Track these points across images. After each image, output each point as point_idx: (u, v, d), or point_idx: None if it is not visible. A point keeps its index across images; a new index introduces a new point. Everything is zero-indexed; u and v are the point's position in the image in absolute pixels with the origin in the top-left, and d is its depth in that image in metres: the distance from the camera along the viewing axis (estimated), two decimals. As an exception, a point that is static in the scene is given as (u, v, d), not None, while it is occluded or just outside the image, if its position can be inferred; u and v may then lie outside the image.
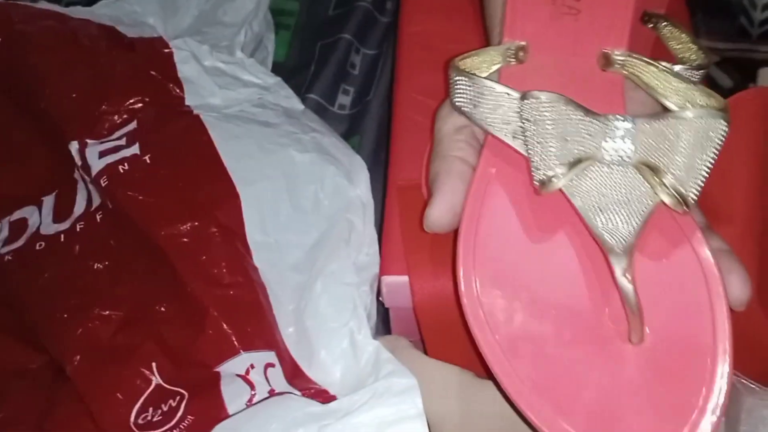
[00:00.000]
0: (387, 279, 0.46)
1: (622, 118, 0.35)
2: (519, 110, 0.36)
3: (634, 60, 0.40)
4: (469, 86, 0.39)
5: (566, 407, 0.34)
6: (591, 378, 0.35)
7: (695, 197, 0.35)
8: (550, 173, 0.36)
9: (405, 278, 0.46)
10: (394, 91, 0.54)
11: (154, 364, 0.42)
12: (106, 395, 0.41)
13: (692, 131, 0.34)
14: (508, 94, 0.37)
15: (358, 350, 0.42)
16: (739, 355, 0.45)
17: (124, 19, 0.62)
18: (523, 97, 0.36)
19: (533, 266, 0.37)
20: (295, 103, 0.55)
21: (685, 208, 0.35)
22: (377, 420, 0.37)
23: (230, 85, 0.54)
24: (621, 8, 0.41)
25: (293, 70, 0.68)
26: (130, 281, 0.45)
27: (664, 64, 0.45)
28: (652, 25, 0.52)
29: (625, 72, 0.41)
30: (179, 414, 0.40)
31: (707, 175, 0.35)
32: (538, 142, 0.36)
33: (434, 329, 0.47)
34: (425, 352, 0.49)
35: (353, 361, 0.41)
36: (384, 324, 0.53)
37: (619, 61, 0.40)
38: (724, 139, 0.35)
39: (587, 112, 0.35)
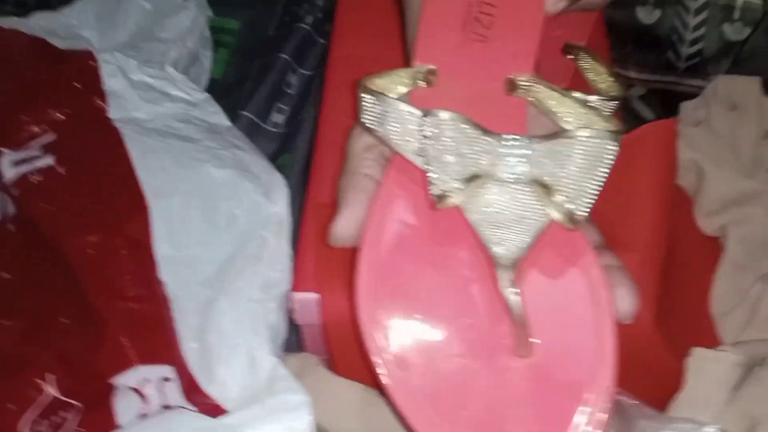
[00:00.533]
0: (297, 296, 0.46)
1: (518, 137, 0.36)
2: (420, 128, 0.37)
3: (538, 86, 0.41)
4: (376, 105, 0.40)
5: (452, 418, 0.34)
6: (478, 390, 0.35)
7: (584, 216, 0.36)
8: (446, 188, 0.36)
9: (315, 295, 0.46)
10: (320, 111, 0.55)
11: (50, 375, 0.42)
12: (-1, 405, 0.41)
13: (583, 151, 0.35)
14: (411, 112, 0.38)
15: (257, 367, 0.42)
16: (635, 379, 0.46)
17: (59, 31, 0.62)
18: (425, 115, 0.37)
19: (430, 280, 0.38)
20: (222, 120, 0.55)
21: (573, 225, 0.36)
22: (267, 435, 0.38)
23: (156, 100, 0.54)
24: (527, 36, 0.42)
25: (230, 87, 0.68)
26: (35, 292, 0.45)
27: (575, 93, 0.46)
28: (572, 57, 0.54)
29: (529, 97, 0.41)
30: (71, 426, 0.40)
31: (596, 195, 0.36)
32: (435, 158, 0.37)
33: (342, 347, 0.47)
34: (333, 370, 0.49)
35: (251, 378, 0.42)
36: (301, 341, 0.53)
37: (524, 87, 0.41)
38: (613, 160, 0.36)
39: (484, 131, 0.36)
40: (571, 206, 0.36)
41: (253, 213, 0.47)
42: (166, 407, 0.42)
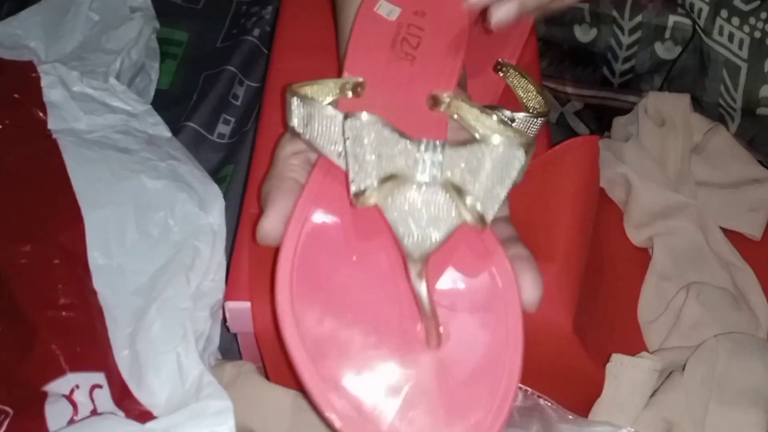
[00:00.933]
0: (230, 304, 0.47)
1: (433, 142, 0.38)
2: (342, 130, 0.39)
3: (459, 102, 0.43)
4: (302, 108, 0.41)
5: (364, 407, 0.36)
6: (389, 379, 0.37)
7: (491, 217, 0.38)
8: (364, 186, 0.38)
9: (248, 304, 0.47)
10: (258, 123, 0.56)
11: (-20, 382, 0.43)
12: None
13: (494, 158, 0.37)
14: (334, 115, 0.40)
15: (184, 374, 0.43)
16: (557, 384, 0.48)
17: (4, 41, 0.63)
18: (346, 117, 0.38)
19: (348, 275, 0.39)
20: (162, 131, 0.56)
21: (482, 226, 0.37)
22: (190, 439, 0.39)
23: (96, 111, 0.55)
24: (451, 57, 0.44)
25: (176, 98, 0.69)
26: (-33, 301, 0.46)
27: (500, 110, 0.48)
28: (502, 74, 0.55)
29: (451, 113, 0.43)
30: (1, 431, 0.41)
31: (503, 199, 0.38)
32: (355, 158, 0.38)
33: (274, 354, 0.48)
34: (267, 377, 0.50)
35: (179, 384, 0.43)
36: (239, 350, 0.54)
37: (446, 103, 0.43)
38: (521, 169, 0.38)
39: (402, 134, 0.38)
40: (481, 209, 0.37)
41: (187, 223, 0.49)
42: (94, 413, 0.42)
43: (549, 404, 0.46)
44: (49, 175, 0.48)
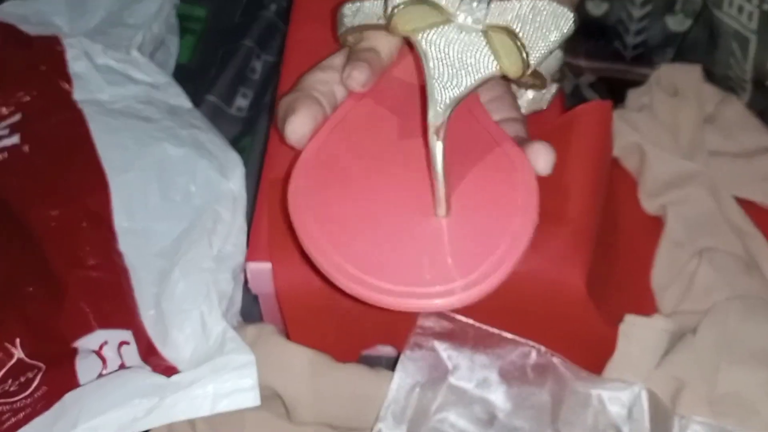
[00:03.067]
0: (251, 265, 0.49)
1: None
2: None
3: None
4: (349, 7, 0.43)
5: (369, 267, 0.36)
6: (396, 244, 0.37)
7: (534, 64, 0.38)
8: (402, 2, 0.38)
9: (268, 264, 0.48)
10: (276, 94, 0.57)
11: (17, 339, 0.45)
12: (-34, 366, 0.44)
13: (546, 11, 0.38)
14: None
15: (208, 331, 0.45)
16: (570, 344, 0.49)
17: (31, 17, 0.65)
18: None
19: (364, 171, 0.40)
20: (183, 101, 0.58)
21: (523, 71, 0.38)
22: (214, 391, 0.40)
23: (120, 82, 0.56)
24: None
25: (196, 72, 0.71)
26: (2, 262, 0.48)
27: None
28: None
29: None
30: (34, 384, 0.43)
31: (547, 53, 0.38)
32: None
33: (294, 314, 0.50)
34: (288, 337, 0.52)
35: (203, 341, 0.44)
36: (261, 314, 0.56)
37: None
38: (569, 30, 0.39)
39: None
40: (525, 53, 0.37)
41: (208, 189, 0.50)
42: (122, 367, 0.44)
43: (562, 362, 0.47)
44: (76, 143, 0.50)
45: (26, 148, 0.50)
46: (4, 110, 0.53)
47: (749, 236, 0.57)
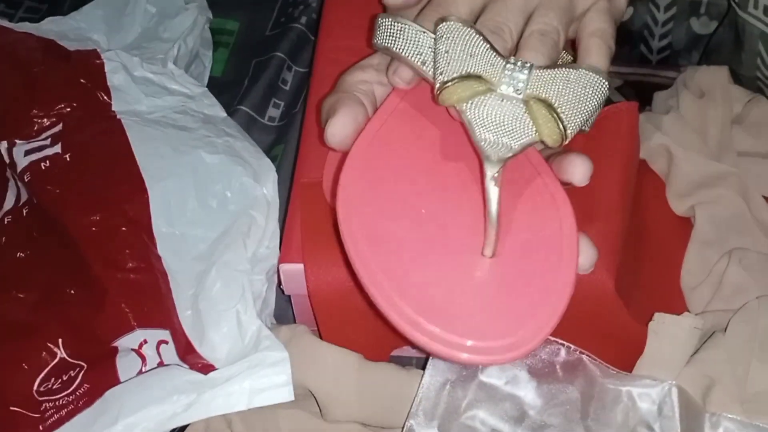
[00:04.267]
0: (284, 266, 0.50)
1: (522, 60, 0.40)
2: (433, 39, 0.41)
3: None
4: (391, 25, 0.43)
5: (416, 299, 0.37)
6: (443, 281, 0.38)
7: (572, 134, 0.40)
8: (448, 78, 0.40)
9: (300, 266, 0.50)
10: (307, 99, 0.59)
11: (59, 340, 0.46)
12: (13, 366, 0.45)
13: (582, 80, 0.40)
14: (424, 31, 0.42)
15: (243, 330, 0.46)
16: (598, 344, 0.49)
17: (69, 34, 0.67)
18: (442, 20, 0.41)
19: (413, 184, 0.41)
20: (218, 111, 0.59)
21: (561, 141, 0.40)
22: (250, 387, 0.42)
23: (157, 93, 0.58)
24: None
25: (229, 84, 0.73)
26: (46, 267, 0.50)
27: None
28: None
29: None
30: (77, 382, 0.45)
31: (584, 121, 0.40)
32: (444, 53, 0.40)
33: (327, 314, 0.51)
34: (321, 338, 0.53)
35: (238, 339, 0.46)
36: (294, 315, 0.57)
37: None
38: (604, 96, 0.41)
39: (492, 46, 0.40)
40: (564, 123, 0.39)
41: (243, 194, 0.52)
42: (161, 365, 0.46)
43: (592, 360, 0.47)
44: (115, 152, 0.52)
45: (67, 156, 0.52)
46: (46, 121, 0.55)
47: (779, 236, 0.57)
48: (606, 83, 0.40)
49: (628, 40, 0.69)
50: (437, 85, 0.40)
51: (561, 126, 0.39)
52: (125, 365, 0.45)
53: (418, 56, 0.42)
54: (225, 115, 0.59)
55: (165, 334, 0.47)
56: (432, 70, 0.41)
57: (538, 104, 0.39)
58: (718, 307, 0.55)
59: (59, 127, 0.54)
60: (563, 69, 0.40)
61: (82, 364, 0.45)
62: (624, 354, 0.50)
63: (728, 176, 0.59)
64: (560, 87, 0.40)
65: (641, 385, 0.47)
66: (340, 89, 0.43)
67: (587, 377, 0.48)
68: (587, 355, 0.48)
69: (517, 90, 0.40)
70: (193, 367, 0.46)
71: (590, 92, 0.40)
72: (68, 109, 0.55)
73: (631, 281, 0.53)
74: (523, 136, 0.39)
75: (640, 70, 0.71)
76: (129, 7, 0.71)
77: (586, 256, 0.40)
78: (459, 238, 0.40)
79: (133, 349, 0.46)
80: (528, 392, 0.47)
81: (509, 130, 0.39)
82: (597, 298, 0.48)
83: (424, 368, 0.48)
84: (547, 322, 0.37)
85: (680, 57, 0.68)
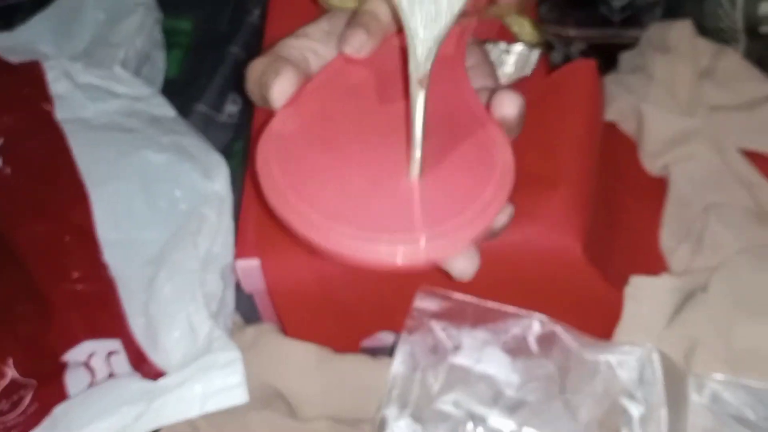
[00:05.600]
0: (240, 262, 0.48)
1: None
2: None
3: None
4: None
5: (332, 215, 0.34)
6: (364, 199, 0.36)
7: None
8: None
9: (257, 261, 0.48)
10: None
11: (9, 359, 0.44)
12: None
13: None
14: None
15: (195, 332, 0.44)
16: (574, 313, 0.47)
17: (17, 48, 0.65)
18: None
19: (338, 129, 0.38)
20: (167, 111, 0.58)
21: None
22: (202, 391, 0.40)
23: (102, 98, 0.56)
24: None
25: (185, 84, 0.71)
26: (-5, 284, 0.48)
27: (498, 44, 0.48)
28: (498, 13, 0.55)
29: None
30: (26, 402, 0.43)
31: None
32: None
33: (289, 309, 0.49)
34: (286, 334, 0.51)
35: (191, 343, 0.44)
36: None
37: None
38: None
39: None
40: None
41: (193, 192, 0.50)
42: (112, 377, 0.44)
43: (566, 331, 0.45)
44: (56, 161, 0.50)
45: (8, 170, 0.50)
46: (-14, 136, 0.53)
47: (757, 187, 0.56)
48: None
49: (589, 2, 0.67)
50: None
51: None
52: (74, 380, 0.44)
53: None
54: (174, 114, 0.57)
55: (115, 344, 0.45)
56: None
57: None
58: (700, 265, 0.53)
59: (0, 141, 0.52)
60: None
61: (33, 382, 0.44)
62: (602, 321, 0.49)
63: (701, 131, 0.58)
64: None
65: (620, 352, 0.45)
66: (273, 53, 0.41)
67: (563, 349, 0.46)
68: (562, 326, 0.46)
69: None
70: (146, 375, 0.44)
71: None
72: (10, 122, 0.54)
73: (607, 246, 0.51)
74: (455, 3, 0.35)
75: (604, 31, 0.69)
76: (78, 15, 0.70)
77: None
78: (384, 166, 0.36)
79: (81, 362, 0.44)
80: (502, 370, 0.45)
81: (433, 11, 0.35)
82: (566, 264, 0.46)
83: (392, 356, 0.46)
84: (478, 220, 0.34)
85: (643, 15, 0.66)
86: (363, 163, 0.37)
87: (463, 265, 0.36)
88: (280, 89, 0.38)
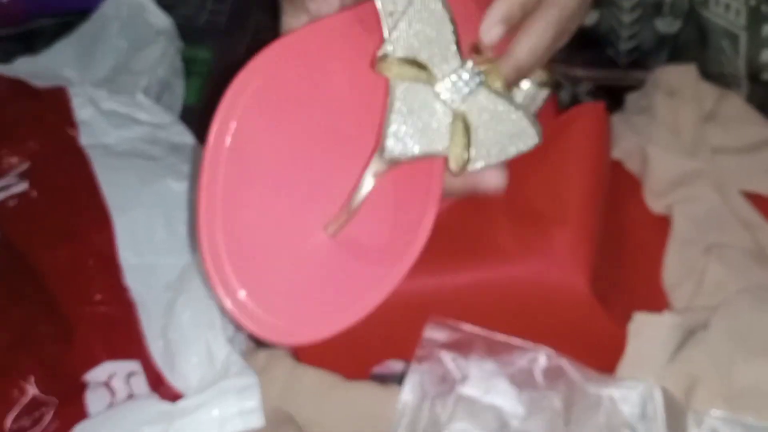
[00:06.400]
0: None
1: (478, 69, 0.38)
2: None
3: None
4: None
5: (255, 280, 0.35)
6: (282, 254, 0.36)
7: (472, 168, 0.38)
8: (392, 49, 0.37)
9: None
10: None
11: (31, 377, 0.46)
12: (-16, 406, 0.45)
13: (516, 125, 0.38)
14: None
15: (213, 357, 0.46)
16: (579, 349, 0.49)
17: (41, 73, 0.67)
18: None
19: (287, 145, 0.38)
20: (187, 139, 0.59)
21: (459, 173, 0.37)
22: (220, 415, 0.41)
23: (124, 125, 0.58)
24: None
25: (204, 112, 0.72)
26: (16, 305, 0.49)
27: None
28: None
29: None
30: (47, 420, 0.44)
31: (498, 162, 0.38)
32: (405, 19, 0.37)
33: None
34: (298, 359, 0.52)
35: (209, 367, 0.45)
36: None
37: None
38: (529, 147, 0.39)
39: (457, 39, 0.38)
40: (472, 158, 0.37)
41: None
42: (131, 398, 0.45)
43: (571, 365, 0.47)
44: (81, 186, 0.52)
45: (34, 193, 0.52)
46: (15, 160, 0.55)
47: (758, 228, 0.57)
48: (538, 136, 0.38)
49: (595, 44, 0.69)
50: (381, 51, 0.37)
51: (466, 154, 0.37)
52: (95, 400, 0.45)
53: (392, 4, 0.38)
54: (194, 142, 0.59)
55: (134, 366, 0.47)
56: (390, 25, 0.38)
57: (461, 124, 0.37)
58: (701, 303, 0.54)
59: (26, 165, 0.54)
60: (506, 103, 0.38)
61: (54, 400, 0.45)
62: (605, 357, 0.50)
63: (703, 173, 0.59)
64: (492, 121, 0.38)
65: (623, 387, 0.47)
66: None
67: (568, 382, 0.47)
68: (567, 360, 0.47)
69: (454, 101, 0.38)
70: (164, 397, 0.45)
71: (516, 141, 0.38)
72: (36, 147, 0.56)
73: (610, 283, 0.53)
74: (432, 144, 0.37)
75: (611, 73, 0.71)
76: (100, 42, 0.72)
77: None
78: (313, 207, 0.37)
79: (102, 383, 0.46)
80: (508, 401, 0.47)
81: (423, 133, 0.37)
82: (573, 301, 0.47)
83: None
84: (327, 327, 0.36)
85: (648, 58, 0.68)
86: (294, 213, 0.37)
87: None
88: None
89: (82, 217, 0.51)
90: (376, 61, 0.38)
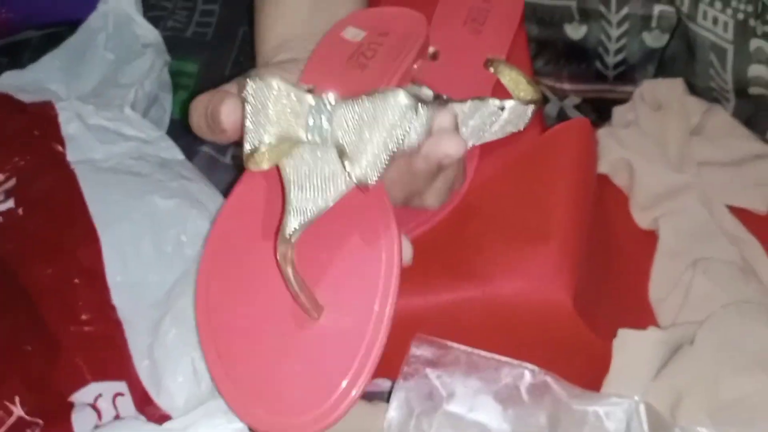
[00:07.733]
0: None
1: (323, 100, 0.37)
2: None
3: None
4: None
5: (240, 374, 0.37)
6: (266, 351, 0.38)
7: (374, 180, 0.37)
8: (257, 143, 0.37)
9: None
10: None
11: (16, 398, 0.46)
12: (-31, 426, 0.45)
13: (377, 106, 0.36)
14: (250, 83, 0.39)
15: (199, 377, 0.46)
16: (564, 365, 0.49)
17: (28, 87, 0.67)
18: (253, 81, 0.38)
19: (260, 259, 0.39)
20: (175, 154, 0.59)
21: (365, 188, 0.36)
22: (206, 436, 0.41)
23: (112, 140, 0.58)
24: (398, 61, 0.46)
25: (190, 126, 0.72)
26: (3, 323, 0.49)
27: (490, 101, 0.49)
28: (492, 69, 0.57)
29: None
30: (33, 441, 0.44)
31: (382, 153, 0.37)
32: (251, 116, 0.38)
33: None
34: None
35: (195, 387, 0.45)
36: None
37: None
38: (413, 130, 0.37)
39: (299, 94, 0.37)
40: (363, 171, 0.36)
41: (199, 237, 0.51)
42: (117, 419, 0.45)
43: (557, 381, 0.47)
44: (68, 202, 0.52)
45: (20, 210, 0.52)
46: (0, 177, 0.54)
47: (744, 243, 0.57)
48: (415, 112, 0.36)
49: (584, 58, 0.69)
50: (245, 156, 0.38)
51: (349, 166, 0.37)
52: (81, 420, 0.45)
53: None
54: (182, 157, 0.59)
55: (121, 386, 0.47)
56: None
57: (338, 149, 0.37)
58: (687, 318, 0.54)
59: (13, 181, 0.54)
60: (364, 100, 0.36)
61: (39, 421, 0.45)
62: (591, 373, 0.50)
63: (690, 187, 0.59)
64: (358, 125, 0.36)
65: (608, 403, 0.47)
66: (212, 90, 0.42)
67: (554, 399, 0.47)
68: (552, 377, 0.48)
69: (323, 137, 0.37)
70: (150, 418, 0.45)
71: (397, 124, 0.36)
72: (22, 163, 0.55)
73: (597, 297, 0.53)
74: (339, 186, 0.37)
75: (598, 86, 0.71)
76: (87, 55, 0.71)
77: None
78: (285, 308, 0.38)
79: (88, 404, 0.46)
80: (494, 418, 0.47)
81: (326, 180, 0.37)
82: (556, 317, 0.47)
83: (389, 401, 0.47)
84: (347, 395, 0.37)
85: (636, 71, 0.68)
86: (271, 313, 0.38)
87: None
88: (227, 110, 0.39)
89: (69, 235, 0.51)
90: (248, 165, 0.39)
